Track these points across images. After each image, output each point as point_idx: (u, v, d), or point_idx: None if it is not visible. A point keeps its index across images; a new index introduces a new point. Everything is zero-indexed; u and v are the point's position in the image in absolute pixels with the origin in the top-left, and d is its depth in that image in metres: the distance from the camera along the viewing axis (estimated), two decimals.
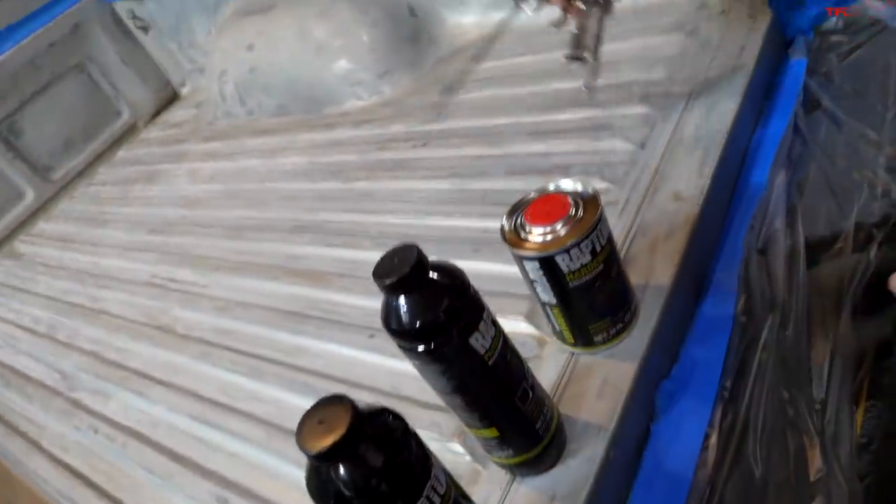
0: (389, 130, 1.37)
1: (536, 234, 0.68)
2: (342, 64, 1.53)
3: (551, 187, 0.72)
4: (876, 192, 0.91)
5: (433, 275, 0.58)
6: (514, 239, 0.69)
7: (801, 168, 0.96)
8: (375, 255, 1.11)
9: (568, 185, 0.72)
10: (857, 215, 0.89)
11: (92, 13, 2.21)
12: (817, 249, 0.87)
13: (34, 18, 2.14)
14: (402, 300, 0.56)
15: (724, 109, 0.98)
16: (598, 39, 1.00)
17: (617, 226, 0.87)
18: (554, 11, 1.05)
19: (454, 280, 0.59)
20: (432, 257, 1.03)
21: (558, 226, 0.67)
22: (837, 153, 0.98)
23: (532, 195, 0.72)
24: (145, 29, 2.27)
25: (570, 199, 0.69)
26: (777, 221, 0.88)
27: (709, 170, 0.90)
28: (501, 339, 0.61)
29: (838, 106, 1.05)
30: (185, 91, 2.36)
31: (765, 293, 0.83)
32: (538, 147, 1.10)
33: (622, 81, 1.15)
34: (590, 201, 0.69)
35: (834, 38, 1.18)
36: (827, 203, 0.92)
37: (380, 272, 0.56)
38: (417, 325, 0.56)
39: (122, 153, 2.16)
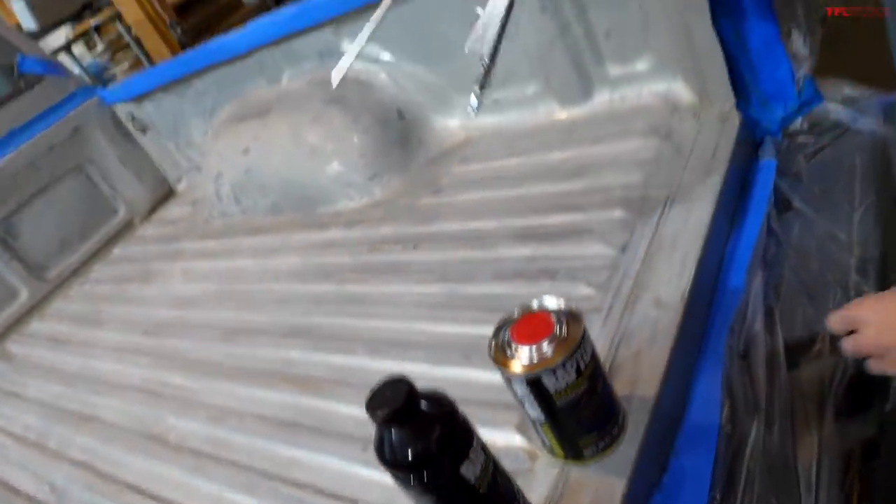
0: (380, 232, 1.41)
1: (523, 354, 0.70)
2: (334, 166, 1.59)
3: (535, 305, 0.75)
4: (849, 293, 0.95)
5: (423, 404, 0.60)
6: (501, 358, 0.71)
7: (777, 270, 1.00)
8: (368, 362, 1.13)
9: (551, 302, 0.75)
10: None
11: (92, 116, 2.29)
12: (797, 352, 0.89)
13: (36, 122, 2.21)
14: (394, 432, 0.58)
15: (700, 214, 1.03)
16: (504, 25, 0.90)
17: (601, 335, 0.89)
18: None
19: (443, 408, 0.61)
20: (422, 365, 1.05)
21: (544, 345, 0.70)
22: (810, 254, 1.02)
23: (516, 313, 0.75)
24: (143, 130, 2.35)
25: (553, 318, 0.72)
26: (756, 324, 0.91)
27: (688, 275, 0.93)
28: (492, 464, 0.62)
29: (808, 206, 1.10)
30: (181, 187, 2.41)
31: (748, 397, 0.85)
32: (524, 251, 1.14)
33: (602, 185, 1.20)
34: (573, 319, 0.72)
35: (801, 138, 1.25)
36: (803, 305, 0.96)
37: (373, 405, 0.58)
38: (410, 458, 0.57)
39: (117, 251, 2.19)
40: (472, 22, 0.92)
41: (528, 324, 0.73)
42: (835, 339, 0.91)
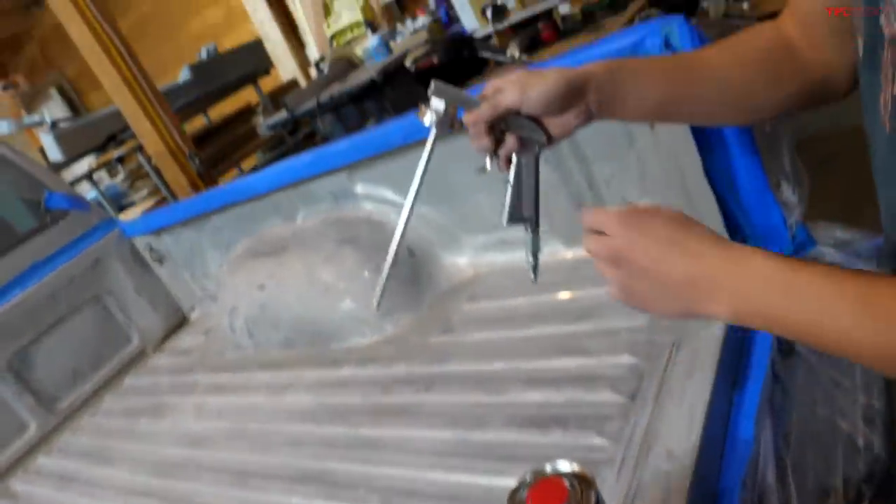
0: (392, 371, 1.44)
1: None
2: (347, 304, 1.64)
3: (548, 469, 0.77)
4: (858, 444, 0.96)
5: None
6: None
7: (785, 418, 1.01)
8: None
9: (564, 466, 0.76)
10: (844, 470, 0.93)
11: (112, 248, 2.37)
12: None
13: (58, 255, 2.29)
14: None
15: (706, 361, 1.05)
16: (537, 192, 0.86)
17: (615, 489, 0.90)
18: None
19: None
20: None
21: None
22: (817, 401, 1.04)
23: (528, 477, 0.76)
24: (160, 260, 2.43)
25: (566, 482, 0.74)
26: (768, 476, 0.92)
27: (697, 426, 0.95)
28: None
29: (811, 351, 1.12)
30: (194, 316, 2.46)
31: None
32: (535, 396, 1.16)
33: (608, 328, 1.24)
34: (585, 483, 0.74)
35: None
36: (813, 454, 0.96)
37: None
38: None
39: (129, 381, 2.21)
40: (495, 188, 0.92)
41: (543, 489, 0.74)
42: (849, 494, 0.91)
